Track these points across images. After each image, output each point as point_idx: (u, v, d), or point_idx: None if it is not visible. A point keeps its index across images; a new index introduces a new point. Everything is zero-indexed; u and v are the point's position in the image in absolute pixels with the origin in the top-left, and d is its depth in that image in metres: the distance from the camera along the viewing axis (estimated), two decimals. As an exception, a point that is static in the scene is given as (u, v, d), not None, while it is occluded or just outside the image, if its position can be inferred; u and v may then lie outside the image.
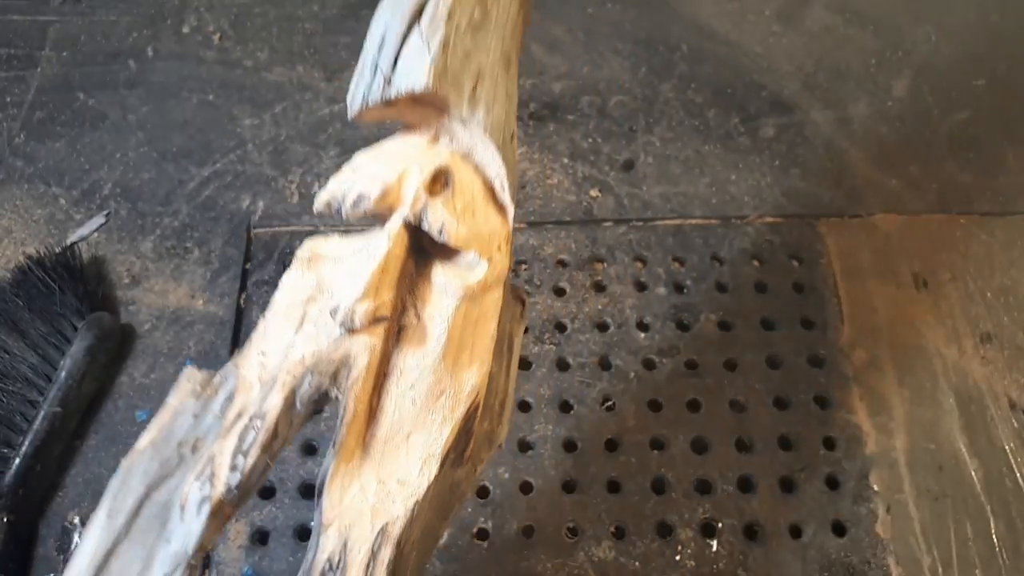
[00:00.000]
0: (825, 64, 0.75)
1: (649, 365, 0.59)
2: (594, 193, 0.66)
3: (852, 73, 0.74)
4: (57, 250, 0.60)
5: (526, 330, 0.59)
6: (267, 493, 0.53)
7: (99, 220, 0.64)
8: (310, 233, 0.63)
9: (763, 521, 0.53)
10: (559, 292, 0.61)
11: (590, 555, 0.51)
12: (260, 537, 0.52)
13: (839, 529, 0.53)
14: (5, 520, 0.50)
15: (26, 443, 0.51)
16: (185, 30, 0.75)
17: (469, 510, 0.52)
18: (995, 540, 0.53)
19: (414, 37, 0.32)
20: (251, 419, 0.30)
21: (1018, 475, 0.55)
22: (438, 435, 0.32)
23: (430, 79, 0.31)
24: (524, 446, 0.55)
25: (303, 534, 0.52)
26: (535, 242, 0.63)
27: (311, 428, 0.55)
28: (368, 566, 0.29)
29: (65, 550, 0.51)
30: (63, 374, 0.53)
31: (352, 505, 0.30)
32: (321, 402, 0.32)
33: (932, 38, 0.77)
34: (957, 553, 0.52)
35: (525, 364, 0.58)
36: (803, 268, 0.63)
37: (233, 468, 0.29)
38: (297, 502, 0.53)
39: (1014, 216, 0.66)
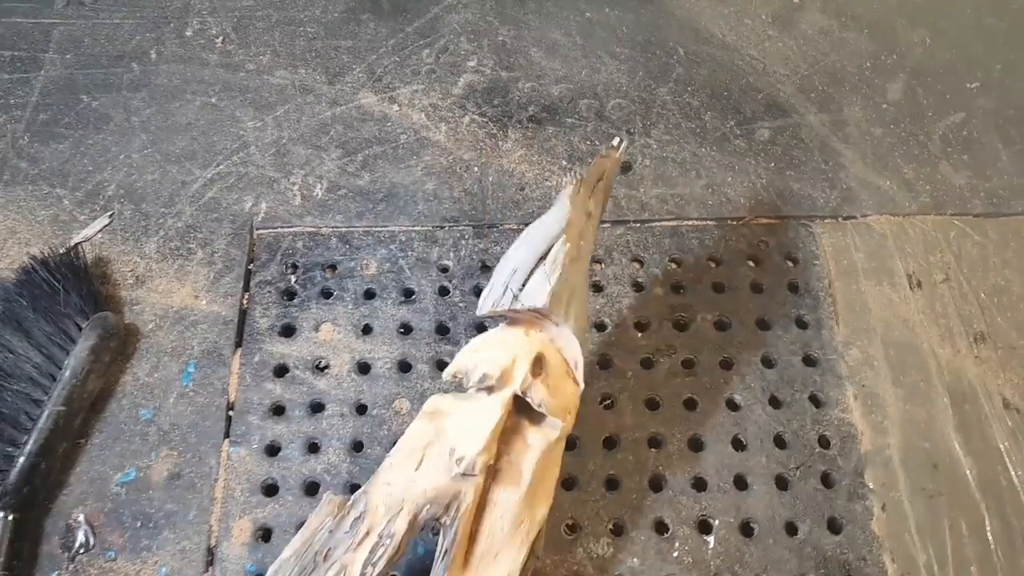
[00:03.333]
0: (820, 67, 0.75)
1: (647, 364, 0.59)
2: (592, 195, 0.67)
3: (847, 76, 0.75)
4: (61, 251, 0.60)
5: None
6: (271, 491, 0.54)
7: (103, 221, 0.64)
8: (312, 234, 0.64)
9: (759, 518, 0.53)
10: (558, 292, 0.62)
11: (589, 551, 0.52)
12: (263, 535, 0.52)
13: (835, 526, 0.54)
14: (10, 518, 0.50)
15: (31, 442, 0.52)
16: (188, 33, 0.76)
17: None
18: (990, 538, 0.53)
19: (539, 272, 0.43)
20: (380, 537, 0.40)
21: (1012, 473, 0.56)
22: (517, 555, 0.41)
23: (548, 301, 0.42)
24: (523, 444, 0.55)
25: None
26: (534, 243, 0.64)
27: (312, 427, 0.56)
28: None
29: (69, 548, 0.52)
30: (67, 373, 0.54)
31: None
32: (433, 527, 0.41)
33: (926, 41, 0.77)
34: (952, 550, 0.53)
35: None
36: (798, 269, 0.64)
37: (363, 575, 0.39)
38: (300, 500, 0.53)
39: (1007, 217, 0.67)
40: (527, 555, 0.41)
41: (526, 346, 0.44)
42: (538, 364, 0.43)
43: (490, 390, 0.43)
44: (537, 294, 0.43)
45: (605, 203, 0.49)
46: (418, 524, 0.41)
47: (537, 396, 0.42)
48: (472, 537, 0.41)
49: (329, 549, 0.40)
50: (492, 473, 0.42)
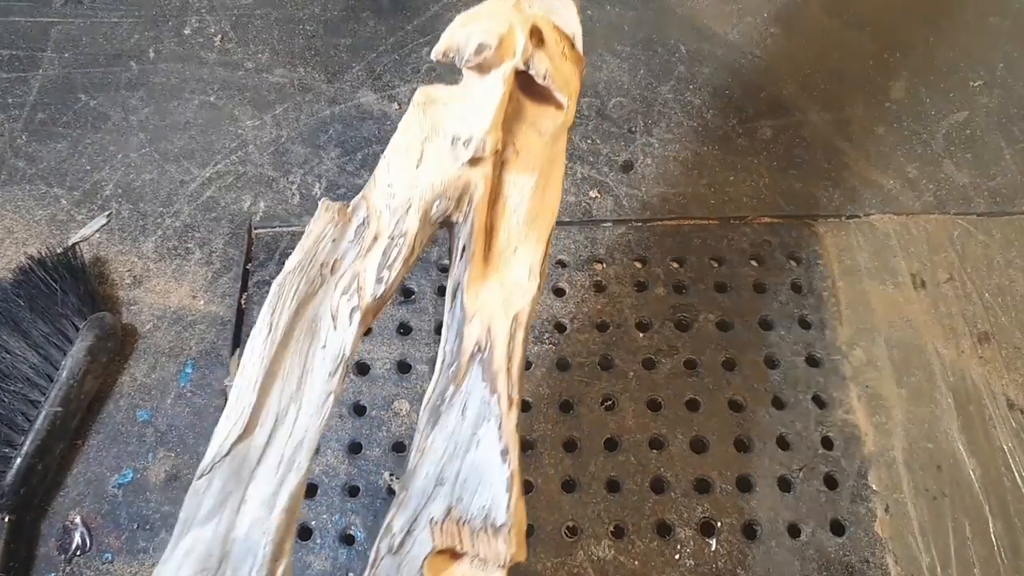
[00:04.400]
0: (823, 66, 0.75)
1: (648, 365, 0.59)
2: (593, 194, 0.66)
3: (850, 74, 0.74)
4: (59, 250, 0.60)
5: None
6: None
7: (101, 221, 0.64)
8: (311, 234, 0.64)
9: (762, 520, 0.53)
10: (559, 292, 0.62)
11: (589, 554, 0.52)
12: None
13: (838, 528, 0.53)
14: (7, 519, 0.50)
15: (27, 442, 0.52)
16: (187, 32, 0.75)
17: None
18: (993, 539, 0.53)
19: None
20: (391, 238, 0.36)
21: (1016, 474, 0.55)
22: (536, 249, 0.38)
23: None
24: (524, 445, 0.55)
25: (303, 534, 0.52)
26: (535, 243, 0.64)
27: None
28: (509, 343, 0.36)
29: (66, 550, 0.51)
30: (64, 374, 0.54)
31: (487, 302, 0.36)
32: (445, 223, 0.38)
33: (929, 39, 0.77)
34: (955, 552, 0.53)
35: (525, 364, 0.58)
36: (801, 268, 0.63)
37: (379, 280, 0.36)
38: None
39: (1011, 216, 0.66)
40: (544, 252, 0.38)
41: (517, 17, 0.38)
42: (535, 35, 0.38)
43: (486, 68, 0.38)
44: None
45: None
46: (429, 222, 0.37)
47: (542, 67, 0.37)
48: (489, 232, 0.38)
49: (336, 260, 0.36)
50: (500, 163, 0.38)
